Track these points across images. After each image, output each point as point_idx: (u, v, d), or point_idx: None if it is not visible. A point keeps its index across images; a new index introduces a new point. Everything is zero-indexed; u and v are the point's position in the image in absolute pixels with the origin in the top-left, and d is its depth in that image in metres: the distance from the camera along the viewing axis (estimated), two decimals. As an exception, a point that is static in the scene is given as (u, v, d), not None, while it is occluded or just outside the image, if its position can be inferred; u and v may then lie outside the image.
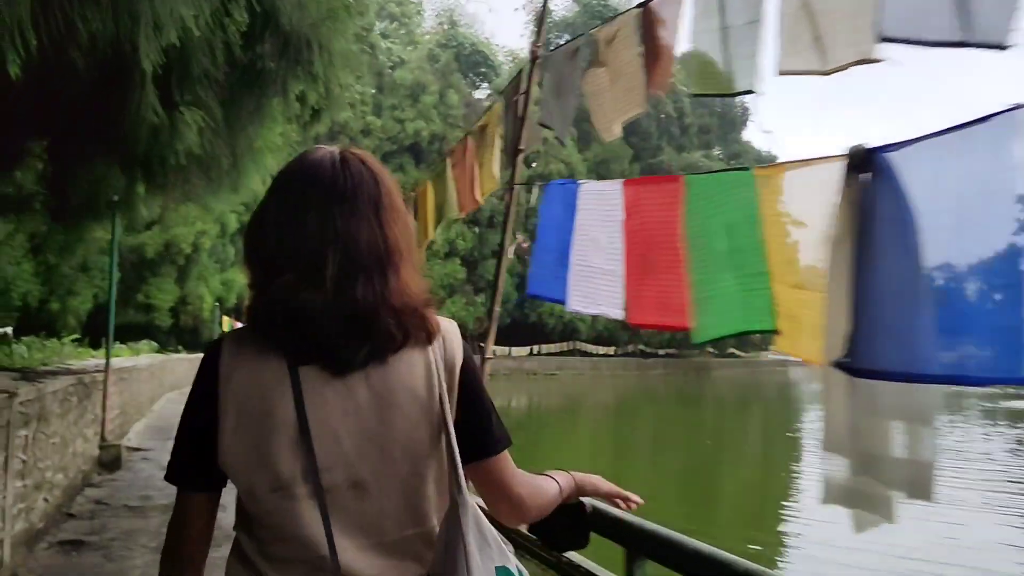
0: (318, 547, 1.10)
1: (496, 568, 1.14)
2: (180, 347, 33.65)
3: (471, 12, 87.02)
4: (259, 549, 1.16)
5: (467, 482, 1.19)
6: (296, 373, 1.10)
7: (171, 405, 18.10)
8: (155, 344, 26.48)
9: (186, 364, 26.92)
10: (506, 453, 1.23)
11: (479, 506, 1.20)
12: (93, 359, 12.78)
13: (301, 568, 1.12)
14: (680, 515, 10.43)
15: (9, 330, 10.21)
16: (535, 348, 53.56)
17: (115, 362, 11.95)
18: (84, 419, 7.77)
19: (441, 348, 1.18)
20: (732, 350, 74.20)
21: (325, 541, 1.10)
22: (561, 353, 54.97)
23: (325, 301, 1.07)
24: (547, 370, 53.33)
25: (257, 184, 6.96)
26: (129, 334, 29.56)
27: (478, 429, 1.20)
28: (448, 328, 1.21)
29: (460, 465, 1.15)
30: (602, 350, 57.92)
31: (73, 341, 17.17)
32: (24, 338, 16.26)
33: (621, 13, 2.56)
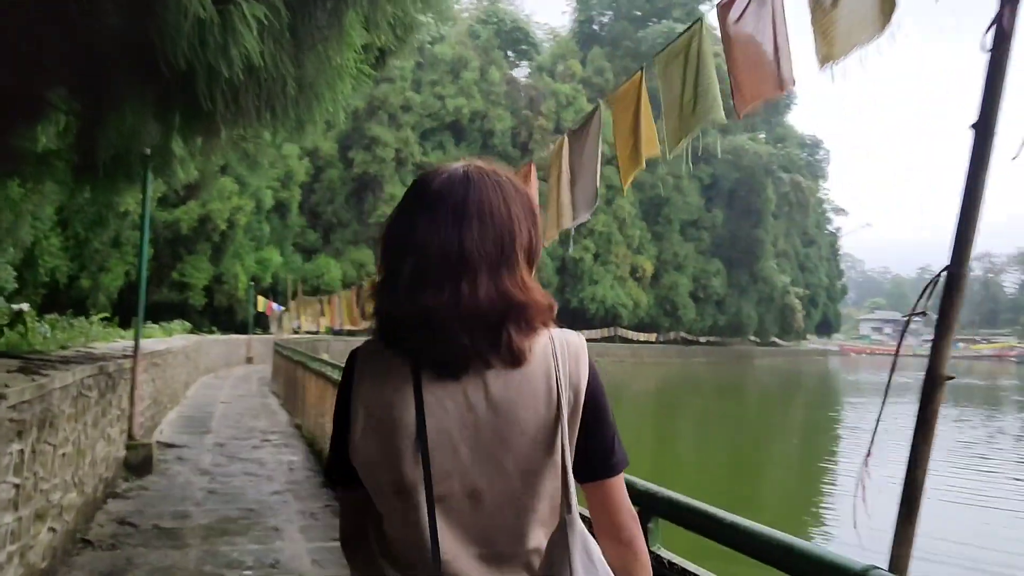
0: (428, 552, 1.11)
1: None
2: (214, 327, 32.57)
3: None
4: (382, 547, 1.20)
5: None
6: (419, 380, 1.13)
7: (206, 391, 16.78)
8: (188, 324, 25.25)
9: (221, 346, 25.70)
10: (622, 476, 1.22)
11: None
12: (122, 341, 11.46)
13: (417, 571, 1.14)
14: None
15: (26, 306, 8.84)
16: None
17: (147, 345, 10.58)
18: (107, 416, 6.31)
19: (566, 364, 1.16)
20: (774, 338, 72.04)
21: (430, 547, 1.11)
22: (602, 339, 53.37)
23: (442, 305, 1.10)
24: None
25: (333, 119, 5.37)
26: (162, 313, 28.49)
27: (601, 449, 1.19)
28: (575, 343, 1.20)
29: (572, 484, 1.14)
30: (643, 337, 56.18)
31: (102, 320, 15.93)
32: (48, 316, 15.04)
33: None
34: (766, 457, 16.84)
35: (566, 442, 1.13)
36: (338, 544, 1.31)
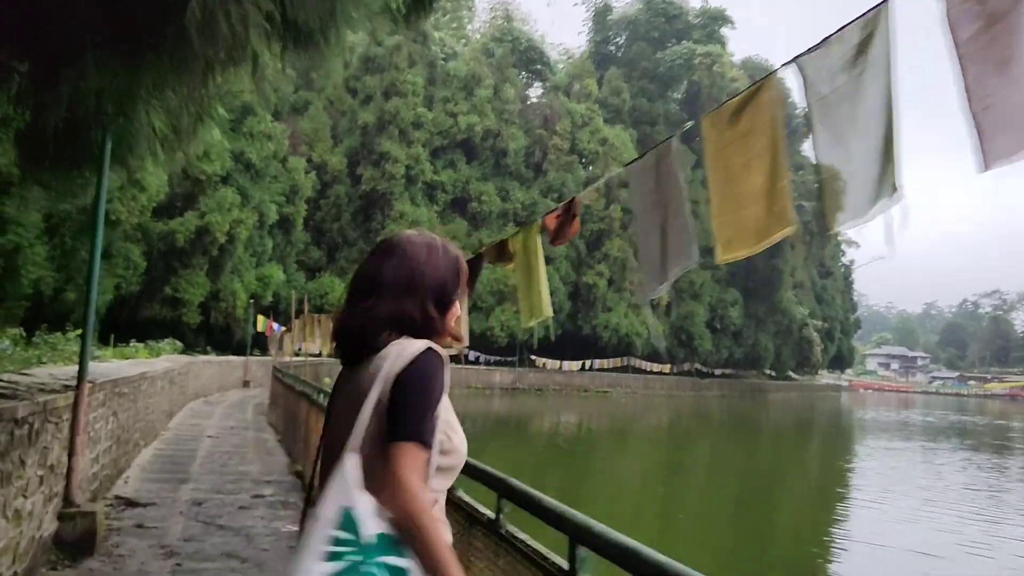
0: None
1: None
2: (209, 347, 30.44)
3: (525, 10, 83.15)
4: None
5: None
6: None
7: (194, 420, 14.65)
8: (180, 344, 23.16)
9: (214, 368, 23.56)
10: (408, 445, 1.44)
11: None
12: (94, 362, 9.36)
13: None
14: None
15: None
16: (588, 363, 49.82)
17: (111, 370, 8.54)
18: (16, 482, 4.24)
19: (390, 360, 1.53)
20: (789, 372, 69.71)
21: None
22: (615, 369, 51.12)
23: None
24: (599, 387, 49.62)
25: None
26: (154, 331, 26.41)
27: (394, 418, 1.49)
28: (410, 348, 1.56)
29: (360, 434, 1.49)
30: (657, 368, 53.91)
31: (80, 336, 13.95)
32: (10, 330, 12.97)
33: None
34: (778, 515, 14.71)
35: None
36: None
